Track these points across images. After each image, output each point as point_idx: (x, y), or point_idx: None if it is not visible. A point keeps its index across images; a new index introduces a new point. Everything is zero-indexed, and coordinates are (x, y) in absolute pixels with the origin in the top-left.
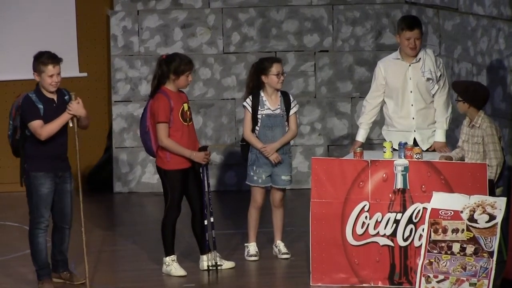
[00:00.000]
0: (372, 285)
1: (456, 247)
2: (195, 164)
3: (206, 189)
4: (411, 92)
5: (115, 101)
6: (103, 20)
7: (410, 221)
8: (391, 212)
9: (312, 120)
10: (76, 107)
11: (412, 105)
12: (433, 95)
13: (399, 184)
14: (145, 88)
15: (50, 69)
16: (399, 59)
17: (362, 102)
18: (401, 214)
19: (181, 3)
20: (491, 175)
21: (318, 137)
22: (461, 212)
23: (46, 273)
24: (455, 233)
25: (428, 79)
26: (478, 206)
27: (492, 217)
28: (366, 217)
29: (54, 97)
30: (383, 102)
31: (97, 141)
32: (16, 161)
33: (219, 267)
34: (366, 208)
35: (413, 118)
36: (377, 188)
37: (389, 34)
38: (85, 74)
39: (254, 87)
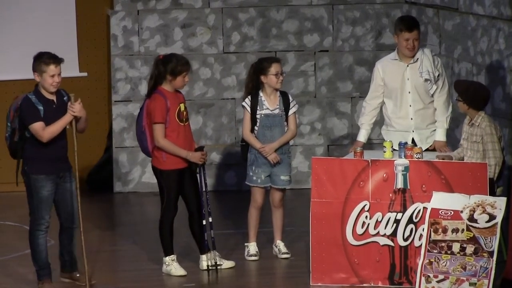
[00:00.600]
0: (372, 285)
1: (456, 247)
2: (191, 165)
3: (204, 189)
4: (409, 92)
5: (115, 101)
6: (103, 20)
7: (410, 221)
8: (392, 212)
9: (312, 120)
10: (79, 108)
11: (410, 105)
12: (432, 95)
13: (400, 184)
14: (145, 88)
15: (52, 69)
16: (397, 59)
17: (362, 102)
18: (401, 214)
19: (181, 3)
20: (490, 174)
21: (318, 137)
22: (461, 212)
23: (46, 273)
24: (455, 233)
25: (426, 80)
26: (478, 206)
27: (492, 217)
28: (366, 217)
29: (54, 98)
30: (383, 103)
31: (97, 141)
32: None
33: (218, 267)
34: (367, 208)
35: (412, 119)
36: (378, 188)
37: (389, 34)
38: (85, 74)
39: (253, 87)
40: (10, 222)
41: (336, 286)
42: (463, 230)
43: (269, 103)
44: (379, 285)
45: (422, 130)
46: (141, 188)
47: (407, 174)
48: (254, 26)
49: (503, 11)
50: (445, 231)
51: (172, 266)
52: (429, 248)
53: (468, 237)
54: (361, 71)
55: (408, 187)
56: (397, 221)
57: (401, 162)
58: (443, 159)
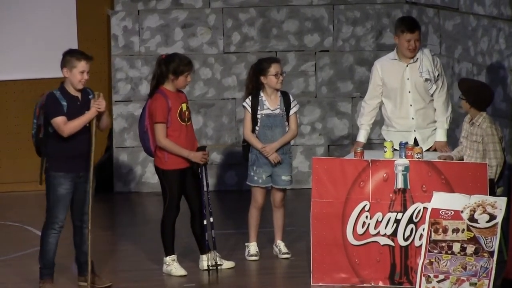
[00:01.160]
0: (373, 285)
1: (456, 247)
2: (193, 164)
3: (205, 189)
4: (409, 92)
5: (115, 101)
6: (103, 20)
7: (410, 221)
8: (392, 212)
9: (313, 120)
10: (104, 103)
11: (411, 105)
12: (432, 95)
13: (400, 184)
14: (145, 88)
15: (83, 65)
16: (396, 59)
17: (362, 102)
18: (401, 214)
19: (181, 3)
20: (491, 175)
21: (319, 137)
22: (462, 212)
23: (48, 273)
24: (455, 233)
25: (426, 80)
26: (478, 206)
27: (492, 217)
28: (366, 216)
29: (79, 95)
30: (382, 103)
31: (98, 141)
32: (16, 161)
33: (219, 267)
34: (367, 208)
35: (413, 118)
36: (378, 188)
37: (389, 34)
38: None
39: (253, 88)
40: (11, 222)
41: (337, 286)
42: (463, 230)
43: (269, 103)
44: (380, 285)
45: (423, 129)
46: (141, 188)
47: (407, 174)
48: (254, 26)
49: (504, 11)
50: (445, 231)
51: (173, 266)
52: (429, 248)
53: (469, 237)
54: (361, 71)
55: (409, 187)
56: (397, 221)
57: (401, 162)
58: (444, 159)
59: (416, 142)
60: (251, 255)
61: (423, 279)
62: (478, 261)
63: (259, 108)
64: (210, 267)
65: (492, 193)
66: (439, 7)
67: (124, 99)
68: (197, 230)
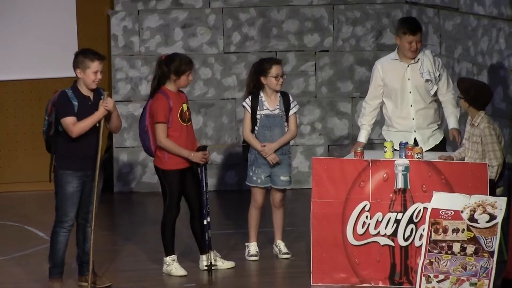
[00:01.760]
0: (373, 285)
1: (456, 247)
2: (193, 164)
3: (205, 189)
4: (410, 92)
5: (115, 101)
6: (103, 20)
7: (410, 221)
8: (392, 212)
9: (313, 120)
10: (112, 102)
11: (411, 105)
12: (434, 95)
13: (400, 184)
14: (145, 88)
15: (97, 65)
16: (397, 59)
17: (362, 102)
18: (401, 214)
19: (181, 3)
20: (492, 175)
21: (319, 137)
22: (462, 212)
23: (58, 272)
24: (455, 233)
25: (427, 80)
26: (478, 206)
27: (492, 217)
28: (366, 217)
29: (91, 95)
30: (383, 103)
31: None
32: (16, 161)
33: (218, 267)
34: (367, 208)
35: (413, 119)
36: (378, 188)
37: (389, 34)
38: None
39: (254, 87)
40: (11, 222)
41: (337, 286)
42: (463, 230)
43: (269, 103)
44: (380, 285)
45: (423, 130)
46: (141, 188)
47: (408, 174)
48: (254, 26)
49: (504, 11)
50: (445, 231)
51: (173, 266)
52: (429, 248)
53: (469, 237)
54: (361, 71)
55: (409, 187)
56: (397, 221)
57: (401, 162)
58: (445, 159)
59: (416, 143)
60: (251, 255)
61: (423, 279)
62: (478, 261)
63: (258, 108)
64: (209, 267)
65: (492, 193)
66: (439, 7)
67: (124, 99)
68: (197, 230)
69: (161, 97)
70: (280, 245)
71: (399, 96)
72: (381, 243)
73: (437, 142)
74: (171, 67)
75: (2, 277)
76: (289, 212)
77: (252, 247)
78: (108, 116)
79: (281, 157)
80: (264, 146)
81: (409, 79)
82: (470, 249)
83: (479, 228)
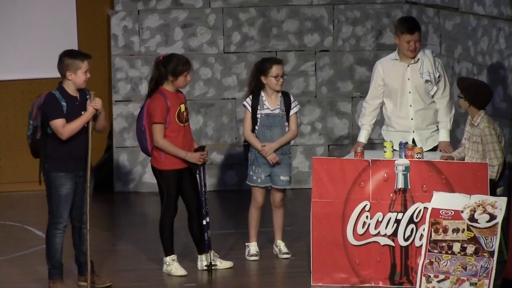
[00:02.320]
0: (373, 285)
1: (456, 247)
2: (191, 165)
3: (203, 189)
4: (409, 93)
5: (115, 101)
6: (103, 19)
7: (411, 221)
8: (392, 212)
9: (313, 120)
10: (100, 102)
11: (410, 105)
12: (432, 96)
13: (400, 184)
14: (145, 88)
15: (86, 64)
16: (397, 59)
17: (362, 102)
18: (402, 214)
19: (181, 3)
20: (493, 174)
21: (319, 137)
22: (462, 212)
23: (58, 273)
24: (455, 233)
25: (426, 81)
26: (478, 206)
27: (492, 217)
28: (367, 217)
29: (78, 95)
30: (383, 103)
31: (98, 141)
32: (16, 161)
33: (213, 267)
34: (367, 208)
35: (412, 119)
36: (378, 188)
37: (389, 34)
38: None
39: (256, 86)
40: (11, 222)
41: (337, 286)
42: (463, 230)
43: (269, 103)
44: (380, 285)
45: (422, 130)
46: (141, 188)
47: (408, 174)
48: (254, 26)
49: (504, 11)
50: (445, 231)
51: (173, 266)
52: (429, 248)
53: (469, 237)
54: (361, 71)
55: (409, 187)
56: (397, 221)
57: (401, 162)
58: (446, 159)
59: (414, 143)
60: (251, 255)
61: (423, 279)
62: (478, 261)
63: (259, 107)
64: (208, 267)
65: (493, 193)
66: (439, 7)
67: (124, 99)
68: (196, 230)
69: (158, 97)
70: (280, 245)
71: (399, 96)
72: (381, 243)
73: (436, 144)
74: (168, 68)
75: (1, 277)
76: (289, 212)
77: (252, 247)
78: (95, 116)
79: (281, 157)
80: (264, 146)
81: (408, 79)
82: (470, 249)
83: (479, 228)
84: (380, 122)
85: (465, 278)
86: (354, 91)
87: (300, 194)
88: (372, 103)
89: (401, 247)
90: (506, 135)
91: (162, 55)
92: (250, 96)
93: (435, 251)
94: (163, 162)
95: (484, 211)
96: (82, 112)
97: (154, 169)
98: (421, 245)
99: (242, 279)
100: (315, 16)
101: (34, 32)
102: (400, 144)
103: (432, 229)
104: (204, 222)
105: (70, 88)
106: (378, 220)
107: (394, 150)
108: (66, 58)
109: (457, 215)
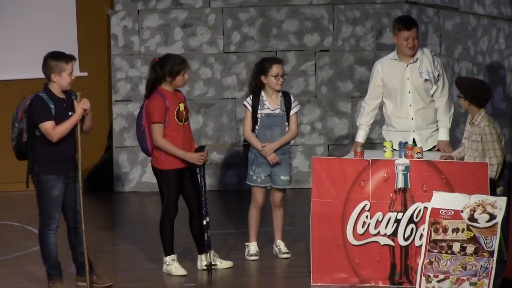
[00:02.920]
0: (373, 284)
1: (456, 247)
2: (191, 165)
3: (203, 189)
4: (409, 92)
5: (115, 101)
6: (103, 19)
7: (411, 220)
8: (392, 212)
9: (313, 120)
10: (88, 103)
11: (410, 105)
12: (432, 95)
13: (400, 184)
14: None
15: (71, 66)
16: (396, 59)
17: (362, 102)
18: (402, 213)
19: (181, 3)
20: (492, 173)
21: (319, 137)
22: (462, 211)
23: (57, 273)
24: (455, 233)
25: (425, 80)
26: (478, 206)
27: (492, 217)
28: (367, 216)
29: (64, 97)
30: (382, 103)
31: (97, 141)
32: (16, 161)
33: (213, 267)
34: (367, 208)
35: (412, 119)
36: (378, 188)
37: (389, 34)
38: (85, 74)
39: (256, 86)
40: (11, 221)
41: (337, 286)
42: (463, 229)
43: (270, 103)
44: (380, 285)
45: (422, 130)
46: (141, 188)
47: (408, 173)
48: (254, 25)
49: (504, 10)
50: (445, 230)
51: (173, 266)
52: (429, 248)
53: (469, 237)
54: (361, 71)
55: (409, 187)
56: (397, 221)
57: (401, 161)
58: (446, 159)
59: (414, 143)
60: (251, 255)
61: (423, 278)
62: (478, 261)
63: (259, 107)
64: (208, 267)
65: (493, 192)
66: (439, 7)
67: (124, 99)
68: (196, 230)
69: (157, 97)
70: (280, 245)
71: (399, 96)
72: (381, 243)
73: (436, 144)
74: (165, 69)
75: (1, 277)
76: (289, 212)
77: (252, 247)
78: (82, 118)
79: (281, 156)
80: (265, 146)
81: (408, 79)
82: (470, 248)
83: (479, 227)
84: (379, 122)
85: (465, 278)
86: (354, 91)
87: (300, 194)
88: (371, 103)
89: (401, 247)
90: (506, 135)
91: (157, 57)
92: (251, 96)
93: (435, 251)
94: (163, 162)
95: (484, 211)
96: (70, 113)
97: (155, 169)
98: (421, 245)
99: (242, 279)
100: (315, 16)
101: (34, 32)
102: (400, 143)
103: (432, 229)
104: (204, 222)
105: (56, 90)
106: (378, 220)
107: (394, 149)
108: (51, 60)
109: (457, 215)
